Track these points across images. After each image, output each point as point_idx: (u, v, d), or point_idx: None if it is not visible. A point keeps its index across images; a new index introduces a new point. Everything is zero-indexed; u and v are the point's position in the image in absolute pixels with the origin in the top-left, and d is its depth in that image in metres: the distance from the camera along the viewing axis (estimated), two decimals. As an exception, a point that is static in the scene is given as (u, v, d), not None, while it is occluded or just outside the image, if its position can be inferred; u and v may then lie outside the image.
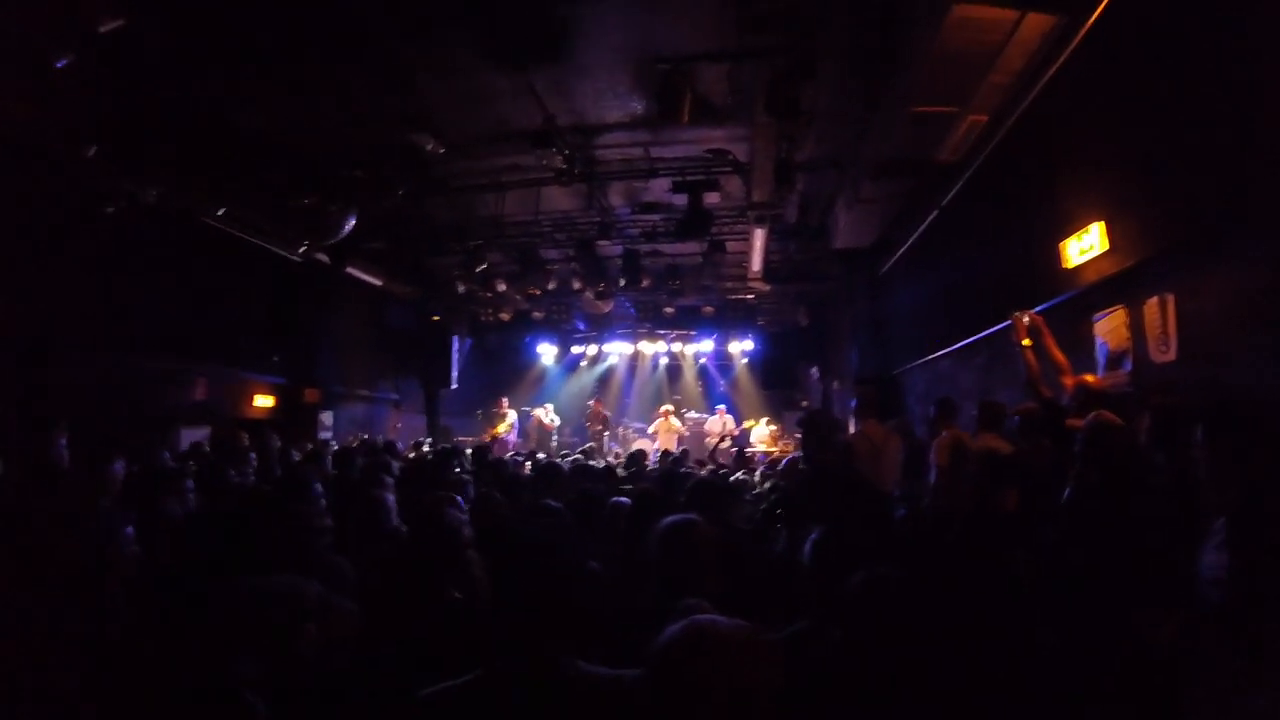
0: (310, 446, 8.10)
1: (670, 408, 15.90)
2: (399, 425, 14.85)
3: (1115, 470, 2.94)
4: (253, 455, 6.11)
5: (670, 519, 2.52)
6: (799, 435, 8.46)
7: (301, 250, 10.18)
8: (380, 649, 2.19)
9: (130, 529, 2.42)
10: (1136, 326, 4.11)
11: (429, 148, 7.39)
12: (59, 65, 4.68)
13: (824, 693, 1.79)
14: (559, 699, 1.55)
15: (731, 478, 6.86)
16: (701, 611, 1.58)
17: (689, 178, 8.92)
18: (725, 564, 2.58)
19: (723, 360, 18.28)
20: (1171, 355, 3.79)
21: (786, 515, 3.80)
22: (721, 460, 10.68)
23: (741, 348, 16.64)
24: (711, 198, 9.30)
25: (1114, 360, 4.32)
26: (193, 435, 8.18)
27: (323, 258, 10.65)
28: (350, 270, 11.56)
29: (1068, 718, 2.32)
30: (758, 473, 8.01)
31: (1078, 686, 2.34)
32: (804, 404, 16.15)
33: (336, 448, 8.43)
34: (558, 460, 7.90)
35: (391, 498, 3.79)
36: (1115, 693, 2.32)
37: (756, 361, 16.80)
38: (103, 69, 5.43)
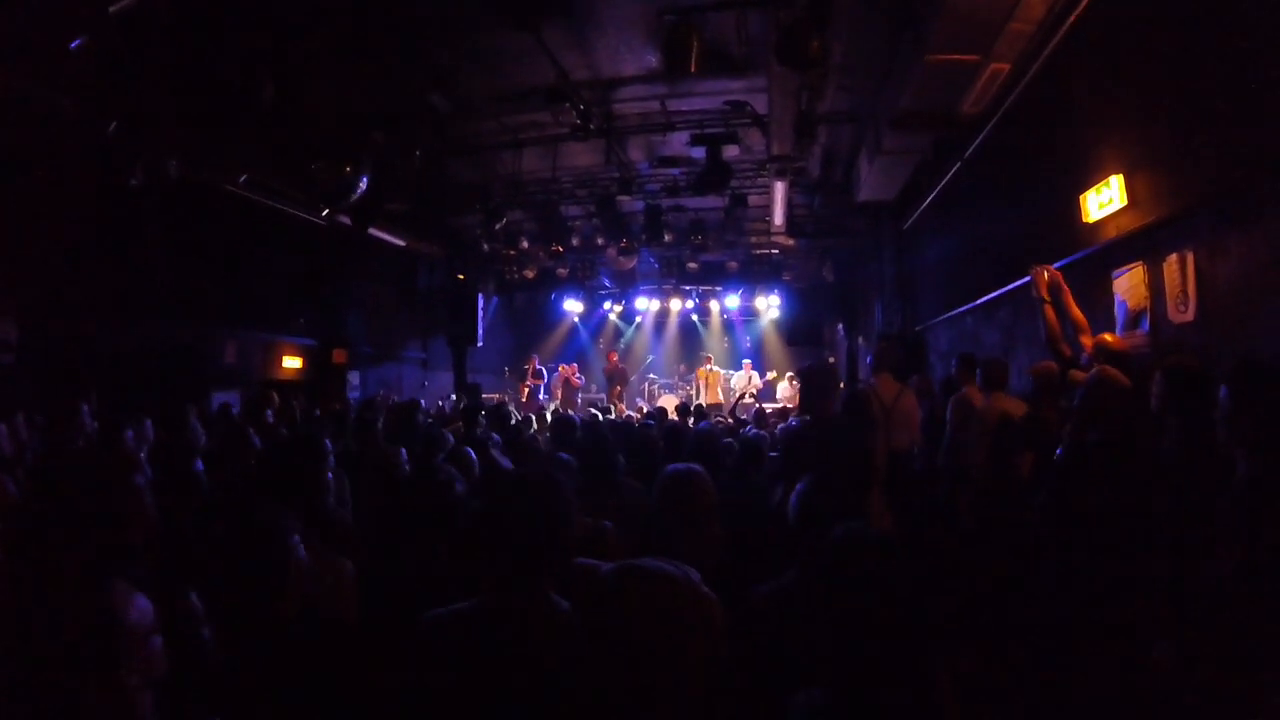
0: (337, 406, 8.26)
1: (710, 356, 15.93)
2: (426, 384, 15.07)
3: (1114, 430, 2.86)
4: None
5: (671, 468, 2.54)
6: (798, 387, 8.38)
7: (324, 213, 10.23)
8: (372, 598, 2.26)
9: (143, 481, 2.48)
10: (1155, 285, 3.98)
11: (441, 107, 7.33)
12: (73, 46, 4.72)
13: (803, 644, 1.81)
14: (543, 634, 1.59)
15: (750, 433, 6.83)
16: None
17: (707, 131, 8.76)
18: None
19: (748, 316, 18.14)
20: (1190, 316, 3.66)
21: (784, 468, 3.79)
22: (743, 415, 10.68)
23: (768, 303, 16.48)
24: (731, 151, 9.13)
25: (1133, 319, 4.20)
26: (223, 398, 8.40)
27: (345, 220, 10.70)
28: (376, 232, 11.59)
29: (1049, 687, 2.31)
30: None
31: (1064, 651, 2.32)
32: (830, 360, 16.04)
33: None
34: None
35: (405, 453, 3.89)
36: (1100, 660, 2.31)
37: (782, 318, 16.63)
38: (118, 43, 5.44)
